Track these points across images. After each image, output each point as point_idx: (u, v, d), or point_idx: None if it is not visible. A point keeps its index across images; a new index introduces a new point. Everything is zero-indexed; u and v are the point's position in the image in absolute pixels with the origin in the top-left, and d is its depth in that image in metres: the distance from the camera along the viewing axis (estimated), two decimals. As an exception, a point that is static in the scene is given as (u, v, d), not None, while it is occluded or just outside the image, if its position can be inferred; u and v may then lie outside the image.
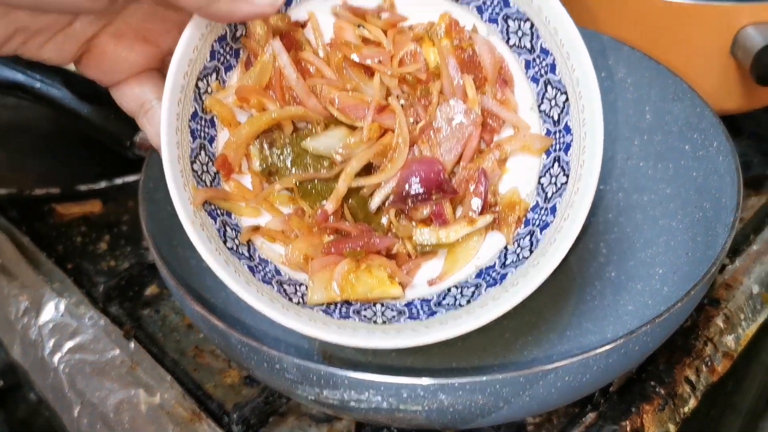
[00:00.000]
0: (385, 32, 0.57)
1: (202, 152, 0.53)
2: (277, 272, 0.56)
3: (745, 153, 0.90)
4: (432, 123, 0.54)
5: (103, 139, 0.71)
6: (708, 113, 0.65)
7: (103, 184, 0.85)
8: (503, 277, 0.54)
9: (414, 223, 0.55)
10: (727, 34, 0.78)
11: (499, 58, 0.56)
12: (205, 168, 0.54)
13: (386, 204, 0.55)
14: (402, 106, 0.55)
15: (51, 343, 0.72)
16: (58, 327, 0.73)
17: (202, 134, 0.54)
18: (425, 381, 0.48)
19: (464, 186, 0.54)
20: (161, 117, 0.51)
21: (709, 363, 0.68)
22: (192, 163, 0.52)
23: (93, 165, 0.87)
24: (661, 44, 0.79)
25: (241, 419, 0.63)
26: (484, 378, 0.47)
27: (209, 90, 0.54)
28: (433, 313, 0.54)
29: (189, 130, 0.53)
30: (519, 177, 0.57)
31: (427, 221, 0.55)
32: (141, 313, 0.76)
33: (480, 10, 0.55)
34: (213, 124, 0.55)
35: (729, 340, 0.70)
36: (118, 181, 0.85)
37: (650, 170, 0.73)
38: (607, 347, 0.49)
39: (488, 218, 0.54)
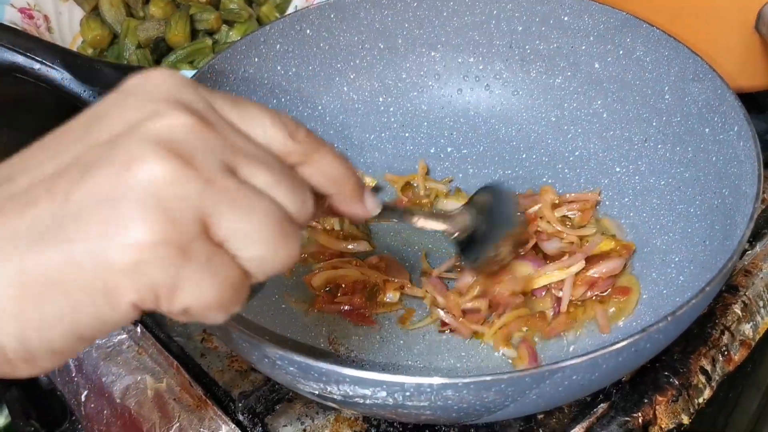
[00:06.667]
0: None
1: None
2: None
3: (768, 131, 0.87)
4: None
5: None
6: (729, 95, 0.63)
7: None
8: None
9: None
10: (752, 9, 0.75)
11: None
12: None
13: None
14: None
15: (58, 326, 0.72)
16: (66, 310, 0.72)
17: None
18: (427, 380, 0.46)
19: None
20: None
21: (725, 352, 0.66)
22: None
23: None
24: (681, 21, 0.76)
25: (247, 408, 0.62)
26: (489, 378, 0.46)
27: None
28: None
29: None
30: None
31: None
32: (149, 296, 0.75)
33: None
34: None
35: (747, 328, 0.68)
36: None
37: (668, 153, 0.70)
38: (617, 346, 0.47)
39: None
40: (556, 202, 0.72)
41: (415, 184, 0.77)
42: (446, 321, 0.66)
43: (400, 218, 0.58)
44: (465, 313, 0.66)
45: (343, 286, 0.68)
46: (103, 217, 0.32)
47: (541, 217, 0.71)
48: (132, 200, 0.32)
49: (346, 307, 0.67)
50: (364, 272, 0.68)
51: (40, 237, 0.32)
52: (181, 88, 0.36)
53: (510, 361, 0.64)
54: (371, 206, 0.46)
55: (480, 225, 0.61)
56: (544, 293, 0.67)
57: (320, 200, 0.43)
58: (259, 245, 0.35)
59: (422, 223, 0.58)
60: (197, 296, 0.34)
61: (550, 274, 0.67)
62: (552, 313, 0.66)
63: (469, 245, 0.62)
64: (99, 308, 0.33)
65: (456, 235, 0.61)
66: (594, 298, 0.66)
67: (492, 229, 0.62)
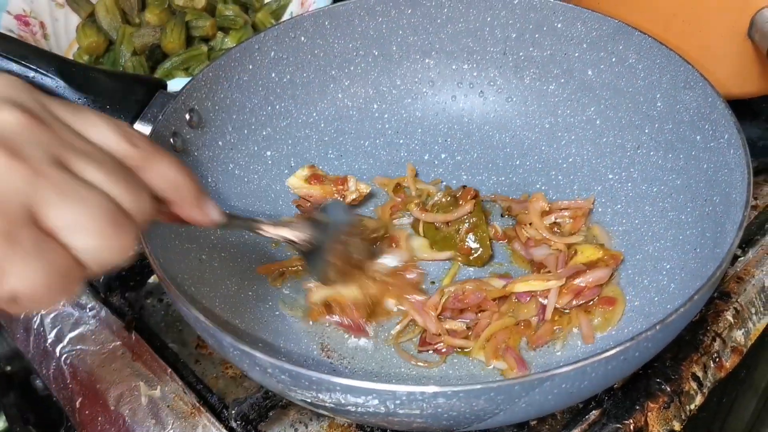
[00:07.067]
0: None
1: None
2: None
3: (762, 137, 0.87)
4: None
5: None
6: (719, 104, 0.63)
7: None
8: None
9: None
10: (744, 16, 0.75)
11: None
12: None
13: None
14: None
15: (53, 333, 0.72)
16: (60, 317, 0.73)
17: None
18: (418, 389, 0.46)
19: None
20: None
21: (716, 359, 0.66)
22: None
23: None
24: (674, 28, 0.76)
25: (240, 415, 0.62)
26: (479, 386, 0.46)
27: None
28: None
29: None
30: None
31: None
32: (144, 303, 0.75)
33: None
34: None
35: (738, 335, 0.68)
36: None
37: (660, 160, 0.70)
38: (605, 354, 0.47)
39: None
40: (547, 209, 0.72)
41: (406, 186, 0.78)
42: (428, 341, 0.66)
43: (247, 227, 0.60)
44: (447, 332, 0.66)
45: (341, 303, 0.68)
46: None
47: (530, 224, 0.71)
48: None
49: (343, 320, 0.67)
50: (362, 286, 0.68)
51: None
52: (16, 90, 0.39)
53: (499, 371, 0.64)
54: (213, 214, 0.47)
55: (321, 237, 0.63)
56: (529, 298, 0.67)
57: (163, 205, 0.45)
58: (89, 235, 0.36)
59: (270, 231, 0.61)
60: (24, 281, 0.35)
61: (532, 282, 0.67)
62: (536, 320, 0.66)
63: (314, 256, 0.64)
64: None
65: (303, 244, 0.63)
66: (580, 306, 0.66)
67: (330, 238, 0.64)
